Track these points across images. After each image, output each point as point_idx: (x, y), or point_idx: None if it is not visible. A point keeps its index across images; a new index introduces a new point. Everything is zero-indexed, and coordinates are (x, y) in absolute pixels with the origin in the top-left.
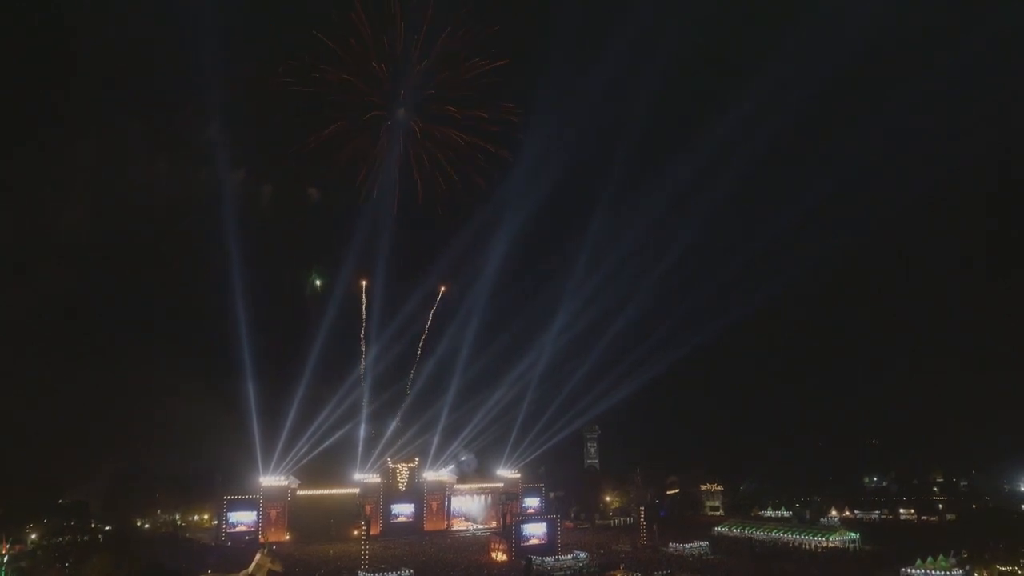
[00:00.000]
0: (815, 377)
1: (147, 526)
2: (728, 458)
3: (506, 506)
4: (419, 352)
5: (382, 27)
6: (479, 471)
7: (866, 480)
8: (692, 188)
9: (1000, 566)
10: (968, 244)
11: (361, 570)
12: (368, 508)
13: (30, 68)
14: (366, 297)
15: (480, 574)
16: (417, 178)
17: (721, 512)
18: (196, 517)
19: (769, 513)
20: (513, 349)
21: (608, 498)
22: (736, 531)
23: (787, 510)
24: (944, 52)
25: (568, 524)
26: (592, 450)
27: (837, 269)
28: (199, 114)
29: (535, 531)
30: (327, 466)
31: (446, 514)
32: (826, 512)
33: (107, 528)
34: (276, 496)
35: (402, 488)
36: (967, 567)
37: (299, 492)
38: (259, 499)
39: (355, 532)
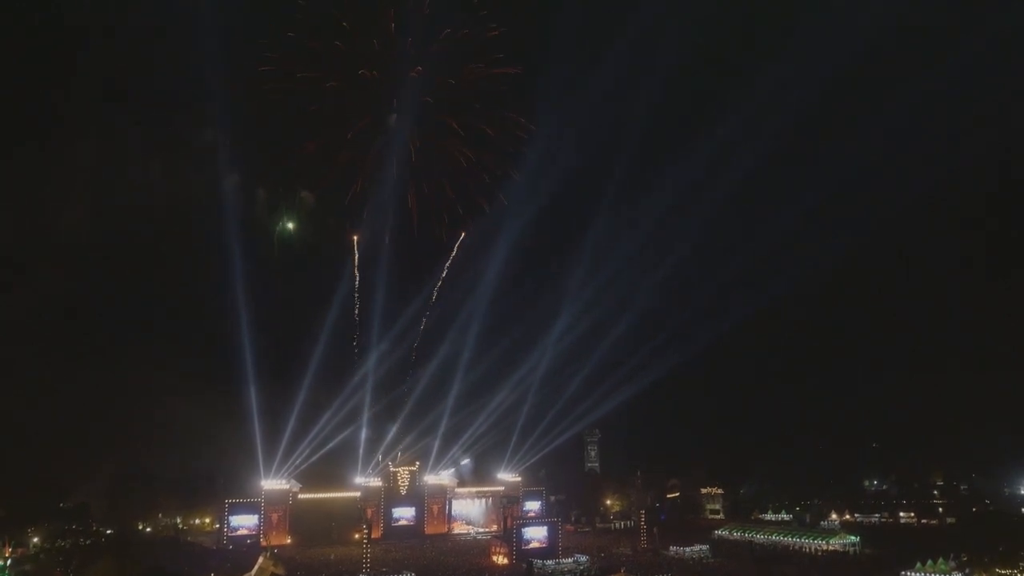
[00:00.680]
0: (815, 379)
1: (148, 529)
2: (728, 461)
3: (507, 509)
4: (414, 357)
5: (371, 28)
6: (476, 474)
7: (866, 483)
8: (692, 190)
9: (1000, 569)
10: (968, 244)
11: (362, 573)
12: (369, 512)
13: (30, 68)
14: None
15: None
16: (413, 206)
17: (721, 515)
18: (197, 520)
19: (769, 516)
20: (514, 353)
21: (609, 501)
22: (736, 534)
23: (787, 513)
24: (945, 51)
25: (569, 527)
26: (592, 453)
27: (837, 270)
28: (197, 114)
29: (536, 534)
30: (328, 469)
31: (447, 518)
32: (826, 515)
33: (108, 531)
34: (277, 499)
35: (403, 492)
36: (967, 570)
37: (300, 495)
38: (260, 502)
39: (356, 535)
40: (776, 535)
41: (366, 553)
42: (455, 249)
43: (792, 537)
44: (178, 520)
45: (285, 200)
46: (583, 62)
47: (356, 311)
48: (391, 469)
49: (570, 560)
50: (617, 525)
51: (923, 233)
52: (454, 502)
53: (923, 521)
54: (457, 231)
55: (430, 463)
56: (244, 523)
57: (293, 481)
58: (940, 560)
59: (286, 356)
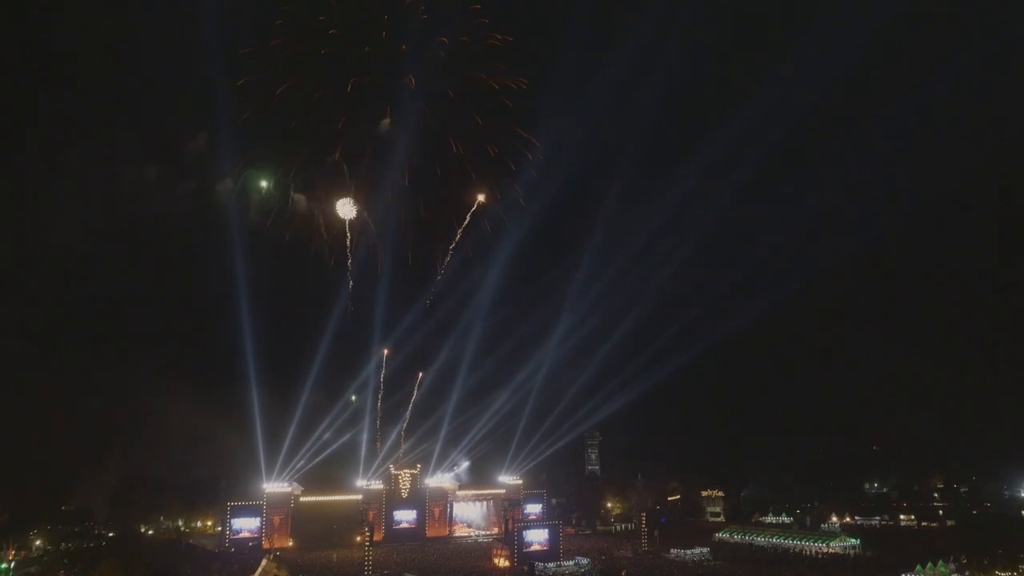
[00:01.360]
0: (815, 382)
1: (150, 532)
2: (729, 464)
3: (508, 512)
4: (416, 360)
5: (363, 34)
6: (477, 477)
7: (866, 486)
8: (693, 196)
9: (1000, 572)
10: (968, 251)
11: None
12: (371, 514)
13: (28, 70)
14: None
15: None
16: (409, 239)
17: (722, 518)
18: (199, 523)
19: (770, 519)
20: (515, 356)
21: (609, 504)
22: (737, 537)
23: (787, 516)
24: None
25: (570, 530)
26: (593, 456)
27: (837, 275)
28: (191, 121)
29: (537, 537)
30: (330, 472)
31: (448, 520)
32: (826, 518)
33: (111, 534)
34: (279, 502)
35: (404, 494)
36: (966, 573)
37: (302, 498)
38: (262, 505)
39: (358, 538)
40: (777, 538)
41: (368, 556)
42: (452, 252)
43: (792, 540)
44: (180, 523)
45: (280, 205)
46: (587, 65)
47: (350, 310)
48: (392, 472)
49: (571, 563)
50: (618, 528)
51: (923, 239)
52: (455, 505)
53: (923, 523)
54: (456, 238)
55: (431, 466)
56: (246, 526)
57: (295, 484)
58: (940, 562)
59: (288, 359)
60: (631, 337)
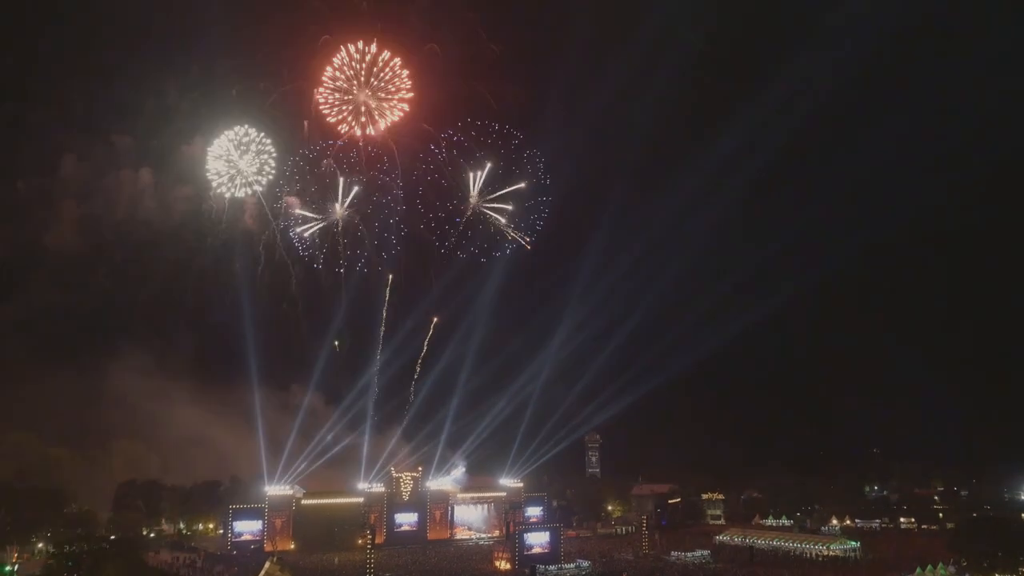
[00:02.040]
0: (816, 385)
1: (152, 535)
2: (729, 467)
3: (509, 515)
4: (418, 369)
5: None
6: (477, 479)
7: (867, 489)
8: (694, 202)
9: (1000, 574)
10: (968, 255)
11: None
12: (372, 517)
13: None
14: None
15: None
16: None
17: (722, 521)
18: (200, 526)
19: (770, 522)
20: (516, 360)
21: (610, 507)
22: (738, 540)
23: (788, 519)
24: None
25: (570, 533)
26: (593, 459)
27: (837, 278)
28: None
29: (538, 540)
30: (331, 475)
31: (449, 523)
32: (827, 521)
33: (112, 537)
34: (281, 505)
35: (406, 497)
36: (966, 575)
37: (304, 501)
38: (264, 508)
39: (359, 541)
40: (777, 541)
41: (370, 558)
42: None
43: (793, 543)
44: (181, 525)
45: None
46: (589, 68)
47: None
48: (394, 475)
49: (572, 565)
50: (619, 530)
51: (924, 242)
52: (456, 508)
53: (923, 526)
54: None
55: (432, 468)
56: (248, 528)
57: (297, 486)
58: (940, 565)
59: (290, 362)
60: (631, 341)
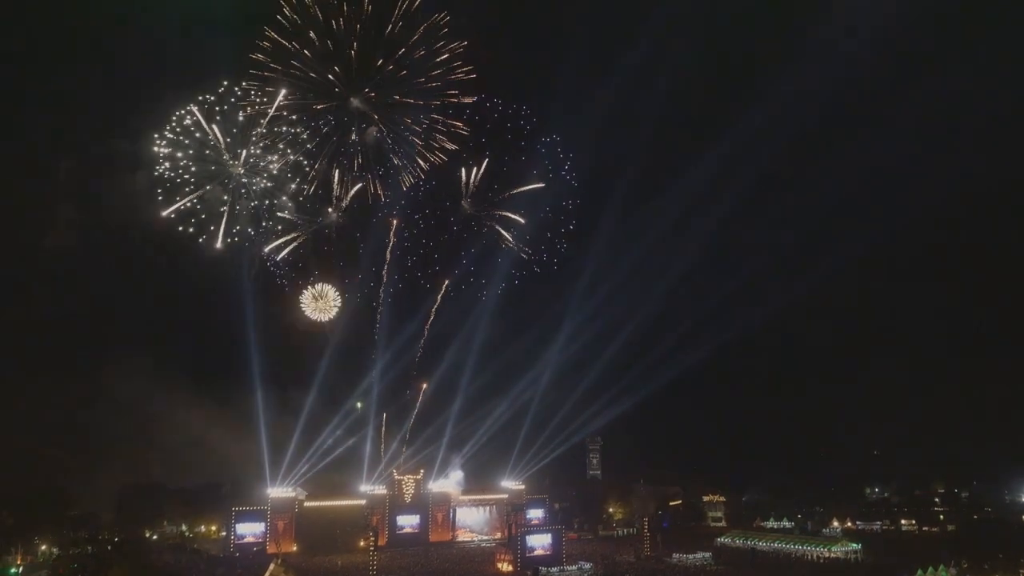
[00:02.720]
0: (816, 388)
1: (154, 537)
2: (730, 469)
3: (511, 517)
4: (417, 368)
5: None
6: (478, 482)
7: (867, 491)
8: (695, 205)
9: None
10: (967, 257)
11: None
12: (375, 519)
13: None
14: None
15: None
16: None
17: (723, 523)
18: (202, 528)
19: (771, 524)
20: (518, 363)
21: (611, 509)
22: (739, 542)
23: (789, 521)
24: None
25: (572, 535)
26: (595, 461)
27: (837, 282)
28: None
29: (540, 542)
30: (334, 478)
31: (451, 525)
32: (828, 523)
33: (116, 539)
34: (283, 507)
35: (408, 499)
36: None
37: (306, 503)
38: (267, 510)
39: (362, 543)
40: (778, 543)
41: (373, 560)
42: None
43: (794, 545)
44: (184, 528)
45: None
46: (590, 71)
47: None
48: (396, 477)
49: (574, 567)
50: (620, 532)
51: (923, 246)
52: (458, 510)
53: (924, 528)
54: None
55: (434, 471)
56: (250, 531)
57: (299, 489)
58: (941, 567)
59: (293, 365)
60: (632, 343)
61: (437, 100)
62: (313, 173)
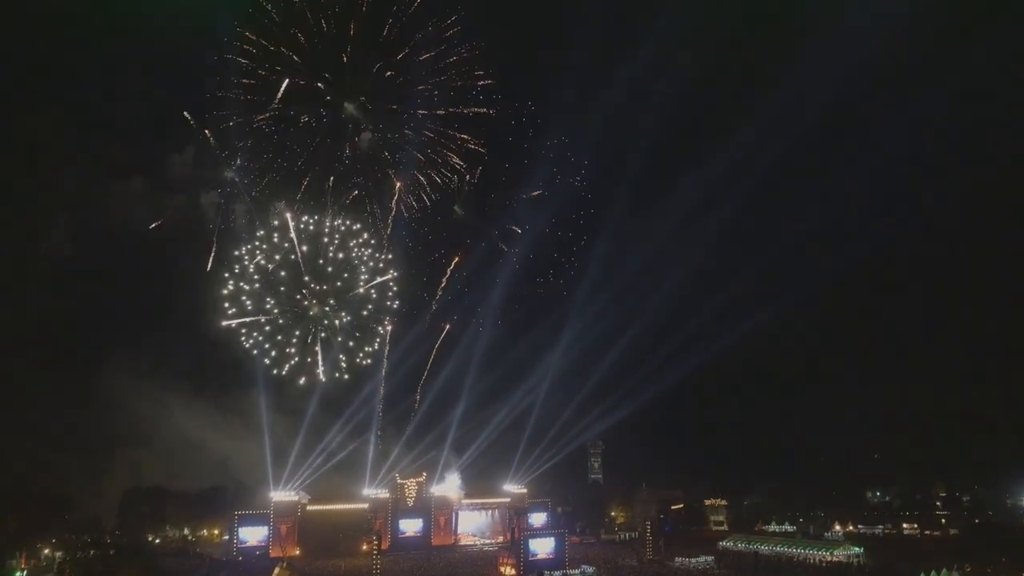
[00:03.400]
0: (816, 391)
1: (157, 541)
2: (731, 473)
3: (514, 521)
4: (424, 377)
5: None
6: (479, 486)
7: (869, 495)
8: (696, 209)
9: None
10: (966, 258)
11: None
12: (378, 523)
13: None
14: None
15: None
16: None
17: (725, 527)
18: (205, 532)
19: (773, 528)
20: (520, 367)
21: (613, 513)
22: (741, 545)
23: (791, 525)
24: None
25: (574, 539)
26: (596, 465)
27: (837, 285)
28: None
29: (543, 546)
30: (336, 481)
31: (453, 529)
32: (830, 527)
33: (120, 543)
34: (286, 511)
35: (410, 503)
36: None
37: (309, 507)
38: (269, 514)
39: (364, 547)
40: (781, 546)
41: (376, 564)
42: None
43: (797, 548)
44: (186, 531)
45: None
46: (592, 76)
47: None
48: (398, 481)
49: (577, 571)
50: (622, 536)
51: (922, 248)
52: (460, 514)
53: (926, 532)
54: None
55: (437, 475)
56: (253, 535)
57: (302, 492)
58: (944, 571)
59: (296, 368)
60: (633, 348)
61: (442, 110)
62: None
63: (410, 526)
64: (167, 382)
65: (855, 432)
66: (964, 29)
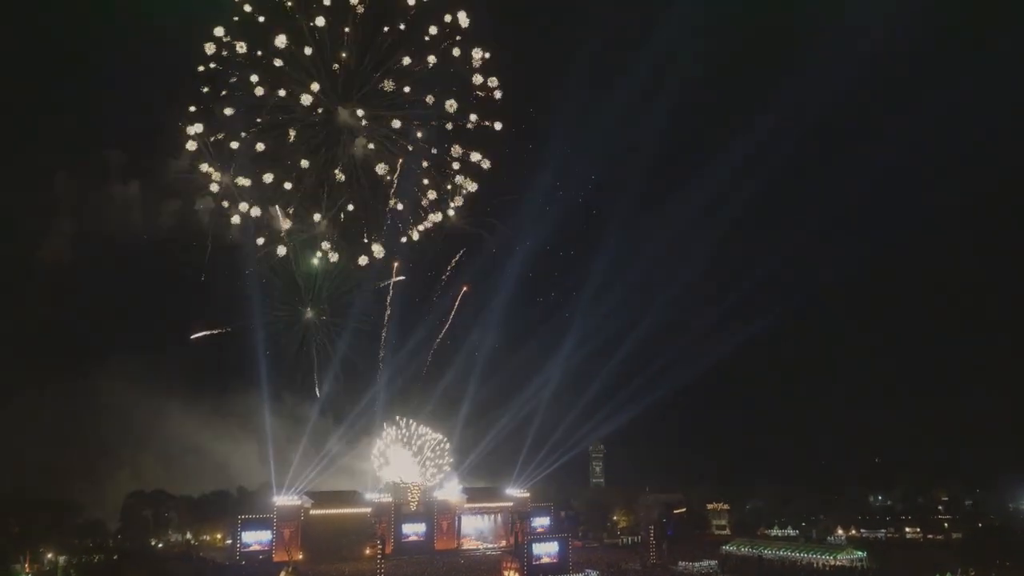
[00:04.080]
0: (817, 395)
1: (160, 546)
2: (733, 477)
3: (517, 525)
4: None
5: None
6: (480, 490)
7: (870, 498)
8: (698, 214)
9: None
10: (967, 260)
11: None
12: (381, 527)
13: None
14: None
15: None
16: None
17: (728, 531)
18: (207, 536)
19: (775, 532)
20: (523, 371)
21: (615, 517)
22: (744, 550)
23: (793, 529)
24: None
25: (577, 543)
26: (597, 469)
27: (839, 290)
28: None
29: (547, 550)
30: (338, 485)
31: (456, 533)
32: (832, 531)
33: (124, 547)
34: (289, 515)
35: (413, 507)
36: None
37: (312, 511)
38: (273, 519)
39: (368, 551)
40: (784, 550)
41: (380, 568)
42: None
43: (801, 552)
44: (188, 536)
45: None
46: (593, 84)
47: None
48: (401, 485)
49: (581, 575)
50: (625, 540)
51: (924, 249)
52: (463, 518)
53: (929, 536)
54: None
55: (440, 478)
56: (256, 539)
57: (305, 497)
58: (948, 575)
59: (300, 373)
60: (634, 351)
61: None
62: None
63: (413, 530)
64: (171, 386)
65: (856, 435)
66: (965, 29)
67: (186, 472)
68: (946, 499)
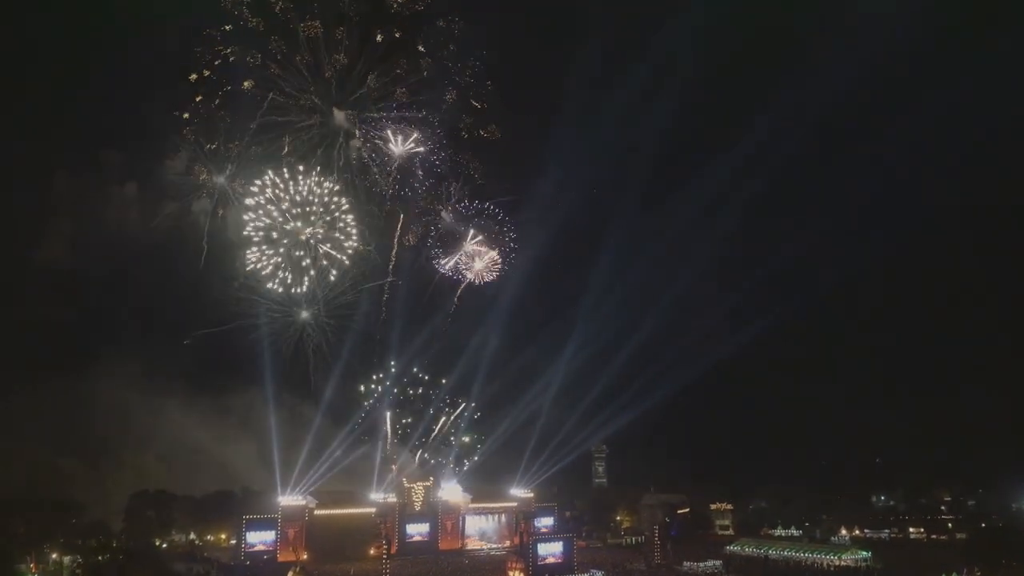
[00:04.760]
0: (819, 395)
1: (164, 546)
2: (737, 477)
3: (521, 525)
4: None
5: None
6: (485, 490)
7: (873, 499)
8: (699, 216)
9: None
10: (967, 260)
11: None
12: (386, 527)
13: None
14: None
15: None
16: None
17: (731, 531)
18: (211, 537)
19: (779, 532)
20: (526, 372)
21: (619, 517)
22: (748, 550)
23: (796, 529)
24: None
25: (581, 543)
26: (600, 469)
27: (839, 290)
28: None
29: (551, 550)
30: (343, 485)
31: (460, 533)
32: (836, 531)
33: (129, 547)
34: (294, 515)
35: (418, 507)
36: None
37: (316, 511)
38: (277, 519)
39: (372, 551)
40: (788, 550)
41: (385, 568)
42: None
43: (804, 552)
44: (193, 536)
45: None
46: (598, 85)
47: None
48: (406, 485)
49: (586, 575)
50: (628, 540)
51: (925, 248)
52: (467, 518)
53: (932, 536)
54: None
55: (443, 479)
56: (261, 539)
57: (309, 497)
58: (953, 574)
59: (305, 372)
60: (637, 352)
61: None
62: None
63: (417, 530)
64: (174, 386)
65: (856, 435)
66: (965, 29)
67: (189, 472)
68: (948, 499)
